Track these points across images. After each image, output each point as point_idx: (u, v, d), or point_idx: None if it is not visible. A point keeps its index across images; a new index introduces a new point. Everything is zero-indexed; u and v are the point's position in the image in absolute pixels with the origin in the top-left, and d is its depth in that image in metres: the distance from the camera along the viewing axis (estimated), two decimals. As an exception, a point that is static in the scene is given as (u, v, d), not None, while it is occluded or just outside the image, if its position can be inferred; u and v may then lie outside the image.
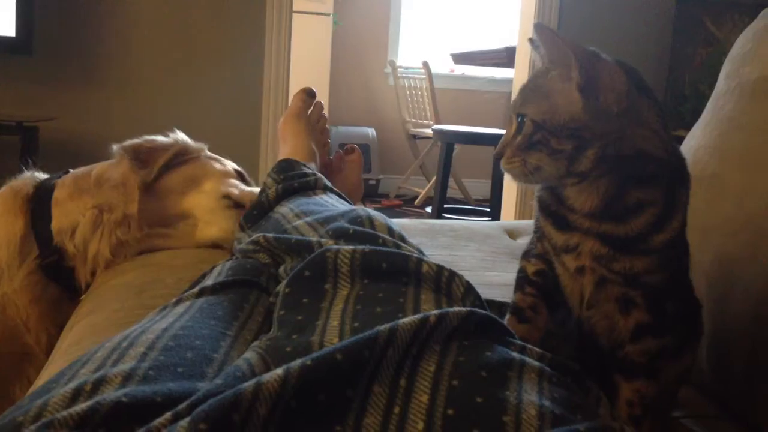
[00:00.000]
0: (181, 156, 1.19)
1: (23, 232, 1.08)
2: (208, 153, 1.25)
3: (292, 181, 1.01)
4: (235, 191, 1.19)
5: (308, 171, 1.06)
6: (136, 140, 1.18)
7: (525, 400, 0.49)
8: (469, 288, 0.65)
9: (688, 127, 1.06)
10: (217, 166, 1.23)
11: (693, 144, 0.99)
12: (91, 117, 2.71)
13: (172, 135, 1.22)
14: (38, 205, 1.10)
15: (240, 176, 1.25)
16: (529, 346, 0.57)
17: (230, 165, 1.25)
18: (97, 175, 1.13)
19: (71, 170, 1.17)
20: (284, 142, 1.27)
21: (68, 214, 1.09)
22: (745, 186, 0.85)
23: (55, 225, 1.08)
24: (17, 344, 1.08)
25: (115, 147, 1.16)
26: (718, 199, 0.87)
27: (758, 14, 1.02)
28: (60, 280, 1.10)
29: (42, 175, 1.17)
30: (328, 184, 1.05)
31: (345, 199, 1.03)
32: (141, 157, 1.15)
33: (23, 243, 1.08)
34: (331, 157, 1.37)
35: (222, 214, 1.16)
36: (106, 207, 1.10)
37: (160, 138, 1.21)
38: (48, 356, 0.96)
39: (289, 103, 1.37)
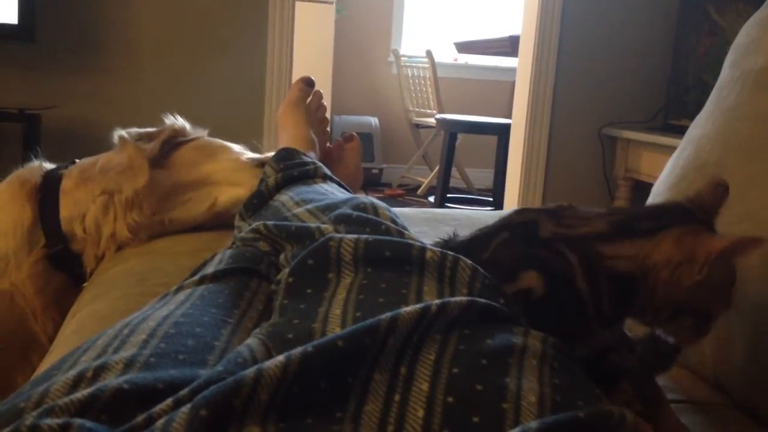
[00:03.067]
0: (182, 135, 1.20)
1: (31, 221, 1.08)
2: (209, 138, 1.25)
3: (291, 170, 1.01)
4: (256, 154, 1.20)
5: (308, 160, 1.06)
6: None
7: (525, 386, 0.49)
8: (475, 270, 0.64)
9: (692, 117, 1.06)
10: (226, 143, 1.24)
11: (696, 133, 0.99)
12: (94, 105, 2.70)
13: (170, 119, 1.22)
14: (47, 195, 1.10)
15: None
16: (533, 331, 0.57)
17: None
18: (102, 164, 1.13)
19: (77, 160, 1.17)
20: (283, 131, 1.27)
21: (77, 203, 1.09)
22: (748, 176, 0.84)
23: (64, 214, 1.09)
24: (26, 333, 1.08)
25: (116, 133, 1.16)
26: (720, 188, 0.87)
27: (762, 3, 1.01)
28: (65, 269, 1.10)
29: (49, 165, 1.17)
30: (328, 172, 1.04)
31: (345, 188, 1.02)
32: (143, 137, 1.16)
33: (31, 232, 1.08)
34: (330, 145, 1.37)
35: (250, 172, 1.17)
36: (116, 191, 1.10)
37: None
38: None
39: (290, 93, 1.36)
